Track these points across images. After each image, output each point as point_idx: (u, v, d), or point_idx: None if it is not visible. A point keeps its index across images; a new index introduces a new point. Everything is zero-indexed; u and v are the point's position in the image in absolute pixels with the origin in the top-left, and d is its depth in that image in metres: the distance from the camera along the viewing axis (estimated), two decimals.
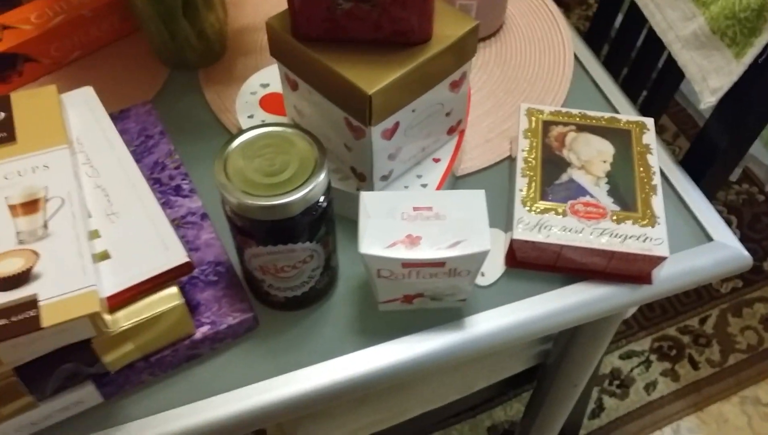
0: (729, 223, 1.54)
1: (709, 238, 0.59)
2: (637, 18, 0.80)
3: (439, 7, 0.54)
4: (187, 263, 0.48)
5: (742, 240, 1.51)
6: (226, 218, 0.49)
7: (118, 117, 0.65)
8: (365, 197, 0.50)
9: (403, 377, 0.53)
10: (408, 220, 0.49)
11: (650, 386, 1.32)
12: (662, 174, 0.64)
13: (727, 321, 1.41)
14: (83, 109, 0.58)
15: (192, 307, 0.53)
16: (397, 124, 0.53)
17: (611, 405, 1.30)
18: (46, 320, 0.42)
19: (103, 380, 0.49)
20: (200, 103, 0.69)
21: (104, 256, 0.48)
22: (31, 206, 0.48)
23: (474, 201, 0.50)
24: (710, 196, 0.69)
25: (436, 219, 0.49)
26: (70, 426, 0.49)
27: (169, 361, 0.50)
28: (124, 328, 0.46)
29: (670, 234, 0.59)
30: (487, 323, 0.54)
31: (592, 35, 0.91)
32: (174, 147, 0.63)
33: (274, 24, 0.53)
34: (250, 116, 0.62)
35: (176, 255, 0.48)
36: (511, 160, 0.65)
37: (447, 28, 0.53)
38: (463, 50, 0.54)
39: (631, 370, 1.34)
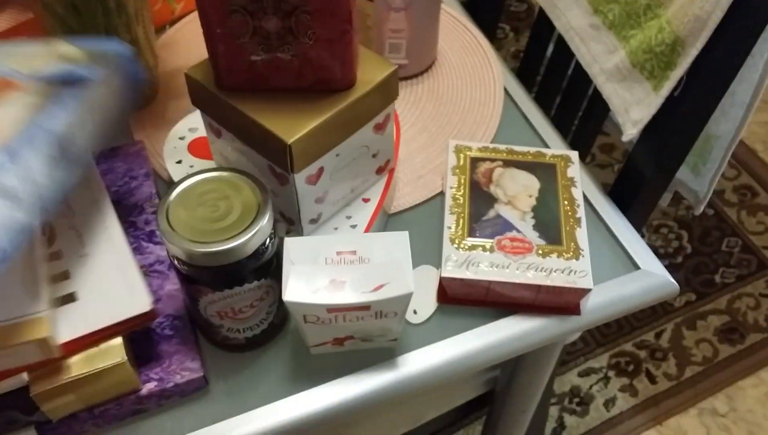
0: (680, 238, 1.57)
1: (637, 267, 0.60)
2: (566, 51, 0.82)
3: (362, 52, 0.55)
4: (150, 311, 0.48)
5: (693, 254, 1.54)
6: (175, 270, 0.48)
7: (108, 155, 0.63)
8: (289, 243, 0.50)
9: (337, 420, 0.53)
10: (332, 265, 0.50)
11: (609, 402, 1.34)
12: (590, 205, 0.65)
13: (681, 334, 1.43)
14: None
15: (144, 360, 0.52)
16: (321, 169, 0.54)
17: (572, 423, 1.31)
18: None
19: (45, 428, 0.48)
20: None
21: (71, 298, 0.48)
22: None
23: (398, 243, 0.51)
24: (641, 223, 0.70)
25: (360, 263, 0.50)
26: None
27: (113, 414, 0.50)
28: (64, 381, 0.46)
29: (598, 264, 0.60)
30: (419, 361, 0.55)
31: (525, 70, 0.93)
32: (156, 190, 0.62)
33: (194, 74, 0.53)
34: (179, 162, 0.62)
35: (140, 302, 0.48)
36: (443, 196, 0.65)
37: (368, 74, 0.53)
38: (385, 93, 0.55)
39: (590, 387, 1.36)
